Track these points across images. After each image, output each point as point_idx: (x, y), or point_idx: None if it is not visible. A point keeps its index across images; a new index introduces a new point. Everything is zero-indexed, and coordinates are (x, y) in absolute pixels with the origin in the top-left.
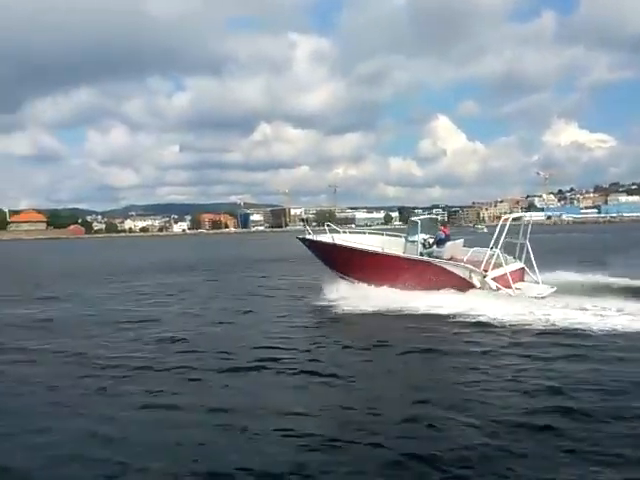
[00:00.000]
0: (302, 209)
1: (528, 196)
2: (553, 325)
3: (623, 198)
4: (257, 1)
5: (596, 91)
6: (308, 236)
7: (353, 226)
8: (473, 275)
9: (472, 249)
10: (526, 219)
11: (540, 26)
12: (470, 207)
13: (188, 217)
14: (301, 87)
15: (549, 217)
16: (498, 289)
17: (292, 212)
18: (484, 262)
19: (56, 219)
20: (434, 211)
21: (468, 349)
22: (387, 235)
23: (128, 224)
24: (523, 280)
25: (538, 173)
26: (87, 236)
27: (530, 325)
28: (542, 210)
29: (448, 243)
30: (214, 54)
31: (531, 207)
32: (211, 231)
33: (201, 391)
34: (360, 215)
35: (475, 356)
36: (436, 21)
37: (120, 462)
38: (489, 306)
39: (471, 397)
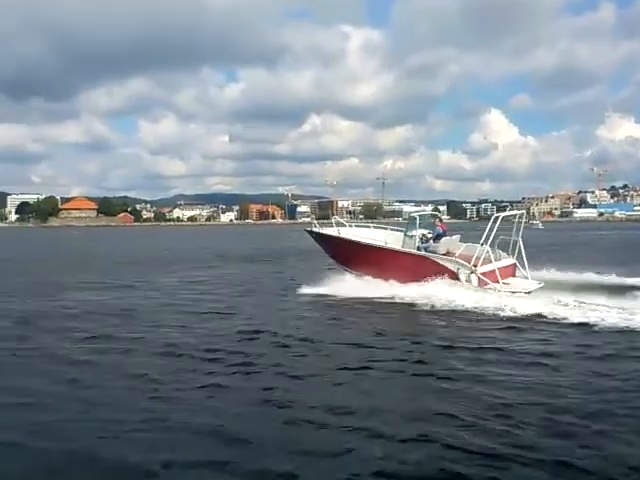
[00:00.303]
0: (349, 201)
1: (580, 192)
2: (495, 313)
3: None
4: None
5: None
6: (314, 229)
7: (400, 219)
8: (461, 269)
9: (465, 244)
10: (518, 217)
11: (597, 19)
12: (520, 202)
13: (236, 207)
14: (352, 79)
15: (601, 214)
16: (482, 284)
17: (339, 204)
18: (474, 257)
19: (106, 207)
20: (482, 206)
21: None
22: (391, 230)
23: (176, 213)
24: (514, 275)
25: (592, 169)
26: (136, 224)
27: (479, 312)
28: (594, 207)
29: (444, 238)
30: (268, 45)
31: (583, 203)
32: (258, 221)
33: (312, 388)
34: (407, 208)
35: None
36: (489, 13)
37: (252, 464)
38: (456, 295)
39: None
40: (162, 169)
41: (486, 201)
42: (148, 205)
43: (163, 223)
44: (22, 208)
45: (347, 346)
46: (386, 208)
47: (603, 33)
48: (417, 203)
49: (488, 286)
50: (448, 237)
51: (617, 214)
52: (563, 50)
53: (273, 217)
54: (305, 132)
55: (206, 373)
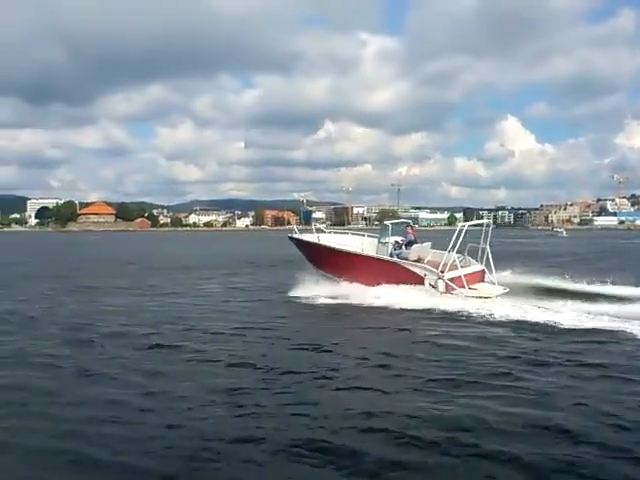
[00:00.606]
0: (364, 208)
1: (599, 200)
2: (445, 313)
3: None
4: (327, 0)
5: None
6: (295, 235)
7: (416, 226)
8: (428, 275)
9: (434, 251)
10: (485, 226)
11: (616, 26)
12: (537, 210)
13: (251, 213)
14: (368, 86)
15: (622, 222)
16: (449, 289)
17: (354, 210)
18: (441, 264)
19: (124, 212)
20: (500, 213)
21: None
22: (368, 236)
23: (193, 218)
24: (483, 281)
25: (612, 177)
26: (153, 229)
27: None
28: (614, 214)
29: (415, 245)
30: (283, 52)
31: (603, 211)
32: (274, 227)
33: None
34: (423, 215)
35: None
36: (505, 21)
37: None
38: (414, 298)
39: None
40: (178, 175)
41: (503, 208)
42: (165, 210)
43: (180, 228)
44: (42, 212)
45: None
46: (402, 214)
47: (622, 40)
48: (433, 210)
49: (455, 291)
50: (419, 244)
51: (638, 222)
52: (581, 58)
53: (288, 223)
54: (320, 138)
55: (284, 385)
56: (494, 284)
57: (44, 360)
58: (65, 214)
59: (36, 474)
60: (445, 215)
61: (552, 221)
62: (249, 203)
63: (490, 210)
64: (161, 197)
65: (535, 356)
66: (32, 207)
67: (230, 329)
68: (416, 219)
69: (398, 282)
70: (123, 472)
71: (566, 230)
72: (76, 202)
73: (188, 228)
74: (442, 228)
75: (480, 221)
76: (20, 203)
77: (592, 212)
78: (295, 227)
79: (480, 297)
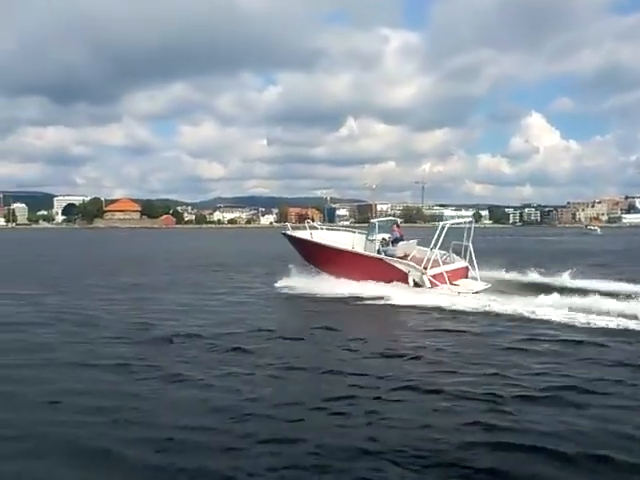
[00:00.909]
0: (389, 205)
1: (627, 197)
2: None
3: None
4: None
5: None
6: (288, 232)
7: (440, 224)
8: (412, 271)
9: (418, 248)
10: (468, 225)
11: None
12: (564, 207)
13: (275, 210)
14: (390, 82)
15: None
16: (432, 285)
17: (378, 208)
18: (424, 260)
19: (149, 209)
20: (526, 210)
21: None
22: (358, 233)
23: (217, 215)
24: (467, 277)
25: None
26: (178, 226)
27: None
28: None
29: (401, 243)
30: (305, 49)
31: (632, 209)
32: (298, 224)
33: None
34: (448, 213)
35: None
36: (529, 14)
37: None
38: (396, 293)
39: None
40: (202, 172)
41: (529, 205)
42: (189, 207)
43: (205, 225)
44: (68, 209)
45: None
46: (426, 212)
47: None
48: (457, 207)
49: (438, 287)
50: (405, 241)
51: None
52: (607, 51)
53: (312, 220)
54: (342, 135)
55: (368, 392)
56: (477, 279)
57: (125, 362)
58: (91, 211)
59: None
60: (470, 213)
61: (580, 219)
62: (271, 200)
63: (516, 207)
64: (185, 194)
65: None
66: (59, 204)
67: (293, 331)
68: (441, 216)
69: (383, 278)
70: None
71: (600, 228)
72: (102, 199)
73: (213, 225)
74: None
75: (462, 219)
76: (47, 200)
77: (620, 209)
78: (288, 225)
79: (462, 292)
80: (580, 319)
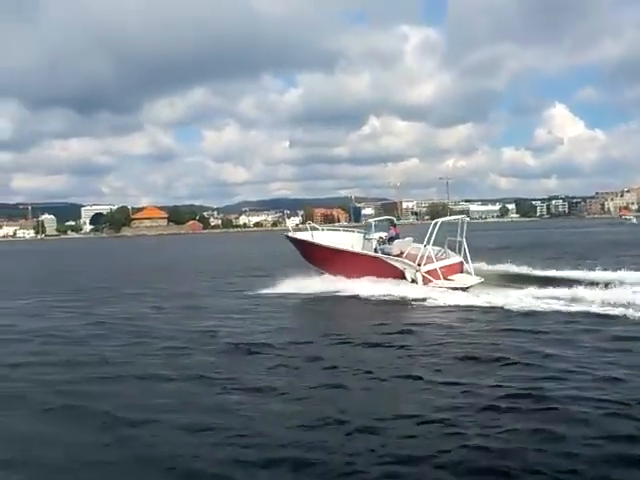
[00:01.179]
0: (414, 202)
1: None
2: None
3: None
4: None
5: None
6: (289, 233)
7: (467, 219)
8: (407, 268)
9: (413, 245)
10: (461, 221)
11: None
12: (593, 198)
13: (300, 212)
14: (410, 79)
15: None
16: (426, 280)
17: (404, 205)
18: (418, 257)
19: (176, 215)
20: (553, 202)
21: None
22: (357, 232)
23: (243, 219)
24: (462, 272)
25: None
26: (205, 231)
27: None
28: None
29: (396, 241)
30: (325, 49)
31: None
32: (324, 225)
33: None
34: (474, 208)
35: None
36: (548, 6)
37: None
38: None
39: None
40: (226, 176)
41: (557, 197)
42: (215, 212)
43: (231, 230)
44: (96, 219)
45: None
46: (452, 208)
47: None
48: (484, 202)
49: (431, 283)
50: (400, 239)
51: None
52: (631, 39)
53: (338, 220)
54: (364, 134)
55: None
56: (471, 274)
57: (202, 374)
58: (119, 219)
59: None
60: (497, 207)
61: (609, 209)
62: (295, 202)
63: (543, 200)
64: (210, 199)
65: None
66: (86, 214)
67: (363, 335)
68: (467, 212)
69: (380, 275)
70: None
71: (635, 217)
72: (129, 207)
73: (239, 229)
74: (493, 220)
75: (456, 217)
76: (74, 210)
77: None
78: (290, 227)
79: (454, 287)
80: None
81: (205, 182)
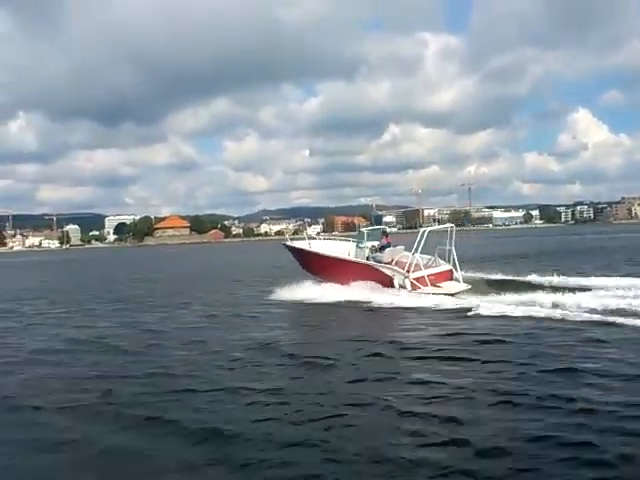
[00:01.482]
0: (435, 210)
1: None
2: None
3: None
4: (387, 2)
5: None
6: (287, 242)
7: (490, 226)
8: (396, 275)
9: (403, 253)
10: (450, 230)
11: None
12: (619, 203)
13: (320, 220)
14: (431, 86)
15: None
16: (415, 287)
17: (425, 213)
18: (407, 265)
19: (198, 224)
20: (578, 208)
21: None
22: (353, 241)
23: (264, 228)
24: (451, 279)
25: None
26: (226, 240)
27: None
28: None
29: (387, 249)
30: (345, 58)
31: None
32: (344, 233)
33: None
34: (497, 214)
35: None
36: (572, 8)
37: None
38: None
39: None
40: (247, 185)
41: (581, 203)
42: (236, 221)
43: (253, 238)
44: (119, 228)
45: None
46: (474, 215)
47: None
48: (506, 208)
49: (419, 290)
50: (392, 248)
51: None
52: None
53: (359, 228)
54: (385, 142)
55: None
56: (459, 282)
57: (279, 386)
58: (142, 229)
59: None
60: (520, 213)
61: (636, 214)
62: (315, 210)
63: (567, 206)
64: (231, 208)
65: None
66: (110, 224)
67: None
68: (490, 219)
69: (371, 281)
70: None
71: None
72: (152, 217)
73: (260, 238)
74: (517, 227)
75: (444, 226)
76: (98, 220)
77: None
78: (287, 235)
79: (440, 294)
80: None
81: (226, 191)
